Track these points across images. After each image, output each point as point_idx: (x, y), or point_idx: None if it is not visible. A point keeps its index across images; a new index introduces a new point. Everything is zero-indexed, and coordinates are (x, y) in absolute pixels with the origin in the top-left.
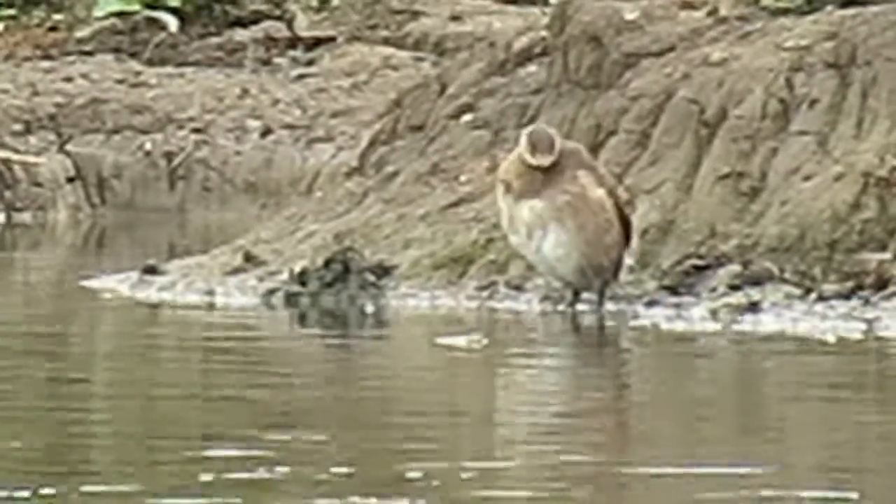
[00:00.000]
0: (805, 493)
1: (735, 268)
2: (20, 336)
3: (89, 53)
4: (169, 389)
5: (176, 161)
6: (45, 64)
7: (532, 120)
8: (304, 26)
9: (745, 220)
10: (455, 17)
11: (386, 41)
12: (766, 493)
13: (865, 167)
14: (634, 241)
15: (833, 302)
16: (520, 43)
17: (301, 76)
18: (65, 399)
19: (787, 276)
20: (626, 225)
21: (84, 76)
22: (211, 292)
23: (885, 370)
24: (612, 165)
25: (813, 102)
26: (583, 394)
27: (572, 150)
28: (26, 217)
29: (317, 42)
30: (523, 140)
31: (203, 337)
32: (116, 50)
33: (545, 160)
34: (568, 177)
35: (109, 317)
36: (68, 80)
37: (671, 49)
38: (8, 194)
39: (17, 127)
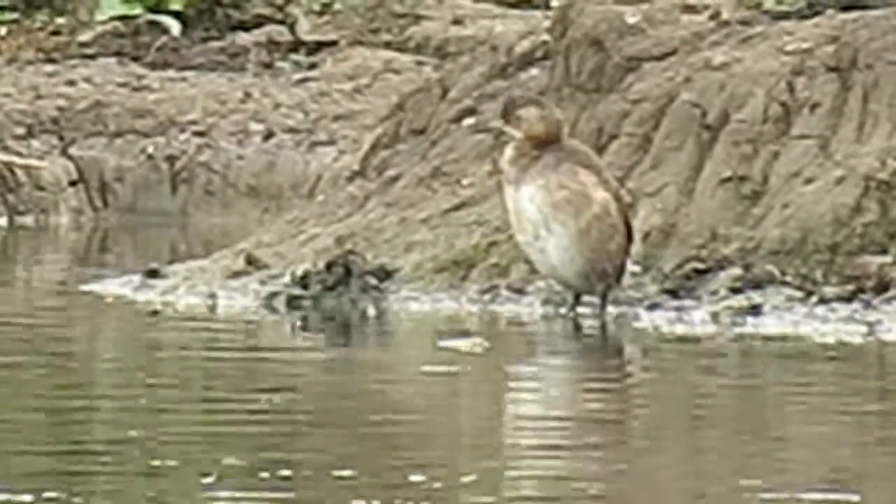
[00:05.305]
0: (806, 496)
1: (736, 271)
2: (21, 339)
3: (92, 57)
4: (172, 391)
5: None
6: (48, 67)
7: None
8: (306, 30)
9: (746, 223)
10: (457, 21)
11: (388, 45)
12: (767, 496)
13: (867, 171)
14: (637, 245)
15: (834, 305)
16: (521, 47)
17: (303, 80)
18: (65, 400)
19: (788, 279)
20: (629, 230)
21: (87, 80)
22: (213, 295)
23: (886, 373)
24: (615, 169)
25: (814, 106)
26: (585, 397)
27: (576, 149)
28: (29, 220)
29: (319, 46)
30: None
31: (204, 339)
32: (119, 53)
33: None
34: (566, 169)
35: (111, 319)
36: (71, 83)
37: (673, 53)
38: (11, 198)
39: (20, 130)
